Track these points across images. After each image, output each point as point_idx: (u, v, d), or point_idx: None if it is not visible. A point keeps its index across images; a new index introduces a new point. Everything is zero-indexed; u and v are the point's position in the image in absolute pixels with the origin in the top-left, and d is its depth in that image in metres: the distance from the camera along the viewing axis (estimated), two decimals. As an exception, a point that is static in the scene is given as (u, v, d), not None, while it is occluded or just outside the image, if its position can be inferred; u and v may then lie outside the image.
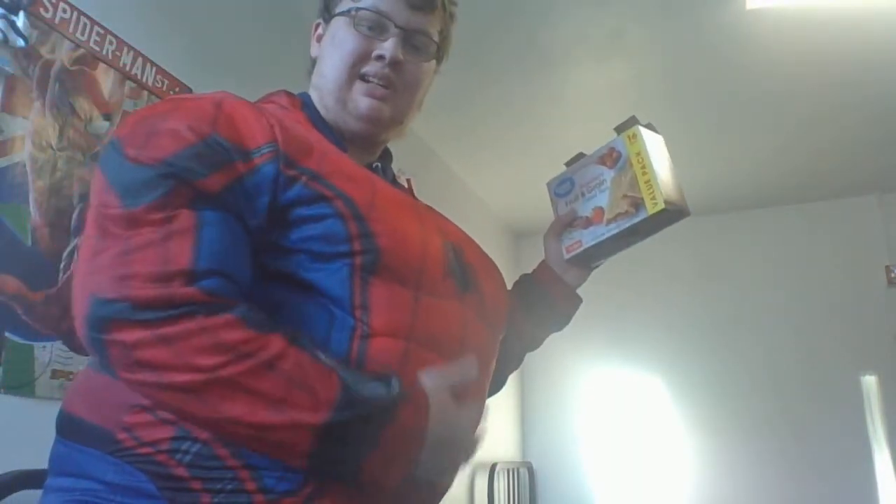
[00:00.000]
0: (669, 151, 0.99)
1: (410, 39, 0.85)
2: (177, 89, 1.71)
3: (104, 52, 1.52)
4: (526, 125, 3.12)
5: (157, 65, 1.66)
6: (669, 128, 3.64)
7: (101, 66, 1.51)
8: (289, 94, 0.88)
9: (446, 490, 0.78)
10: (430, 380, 0.68)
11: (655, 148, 0.96)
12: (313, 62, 0.90)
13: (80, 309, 0.61)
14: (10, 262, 1.26)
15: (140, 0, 1.67)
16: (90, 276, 0.61)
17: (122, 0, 1.61)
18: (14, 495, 1.11)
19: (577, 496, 3.94)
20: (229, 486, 0.62)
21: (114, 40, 1.55)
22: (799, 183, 3.71)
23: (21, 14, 1.33)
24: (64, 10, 1.43)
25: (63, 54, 1.42)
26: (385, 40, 0.83)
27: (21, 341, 1.26)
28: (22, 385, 1.26)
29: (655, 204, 0.90)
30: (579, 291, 1.06)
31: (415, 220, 0.78)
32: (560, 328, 1.06)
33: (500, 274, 0.92)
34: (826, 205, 3.87)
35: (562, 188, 1.04)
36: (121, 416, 0.65)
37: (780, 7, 2.28)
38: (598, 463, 3.96)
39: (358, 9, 0.83)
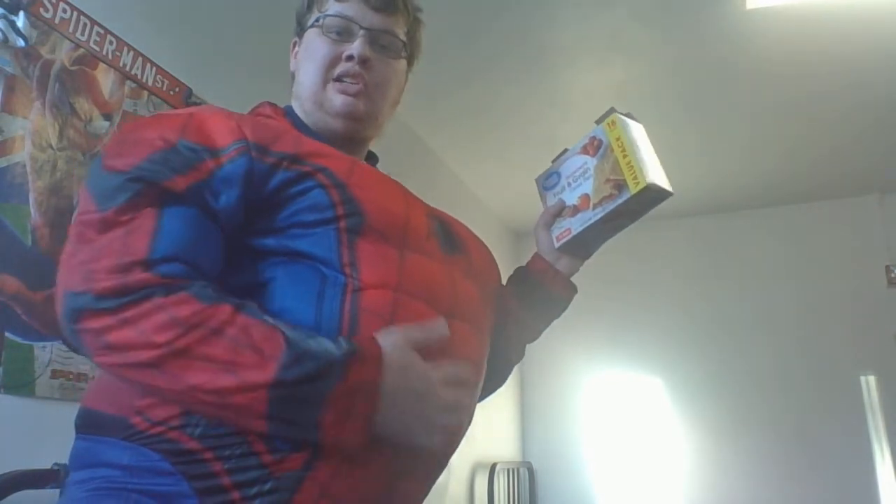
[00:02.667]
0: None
1: (377, 39, 0.90)
2: (177, 89, 1.72)
3: (104, 52, 1.52)
4: (526, 125, 3.12)
5: (157, 65, 1.66)
6: (669, 127, 3.66)
7: (101, 66, 1.52)
8: (272, 104, 0.93)
9: (444, 456, 0.79)
10: (388, 336, 0.69)
11: (635, 133, 0.99)
12: (293, 77, 0.95)
13: (58, 306, 0.66)
14: (10, 262, 1.26)
15: (140, 0, 1.67)
16: (65, 276, 0.67)
17: (122, 0, 1.62)
18: (14, 495, 1.12)
19: (576, 496, 3.94)
20: (238, 451, 0.65)
21: (114, 40, 1.55)
22: (799, 183, 3.71)
23: (21, 14, 1.33)
24: (64, 10, 1.43)
25: (63, 54, 1.42)
26: (353, 42, 0.88)
27: (21, 341, 1.26)
28: (22, 385, 1.26)
29: (637, 183, 0.93)
30: (577, 287, 1.08)
31: (397, 191, 0.82)
32: (556, 316, 1.09)
33: (486, 247, 0.96)
34: (826, 205, 3.88)
35: (549, 182, 1.08)
36: (133, 401, 0.68)
37: (780, 7, 2.28)
38: (598, 463, 3.96)
39: (325, 16, 0.89)
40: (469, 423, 0.82)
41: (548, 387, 4.19)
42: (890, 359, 3.52)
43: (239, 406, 0.63)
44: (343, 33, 0.89)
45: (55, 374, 1.32)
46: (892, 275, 3.62)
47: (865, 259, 3.69)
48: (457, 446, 0.82)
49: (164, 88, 1.68)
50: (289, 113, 0.93)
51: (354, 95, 0.88)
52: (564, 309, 1.08)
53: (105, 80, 1.52)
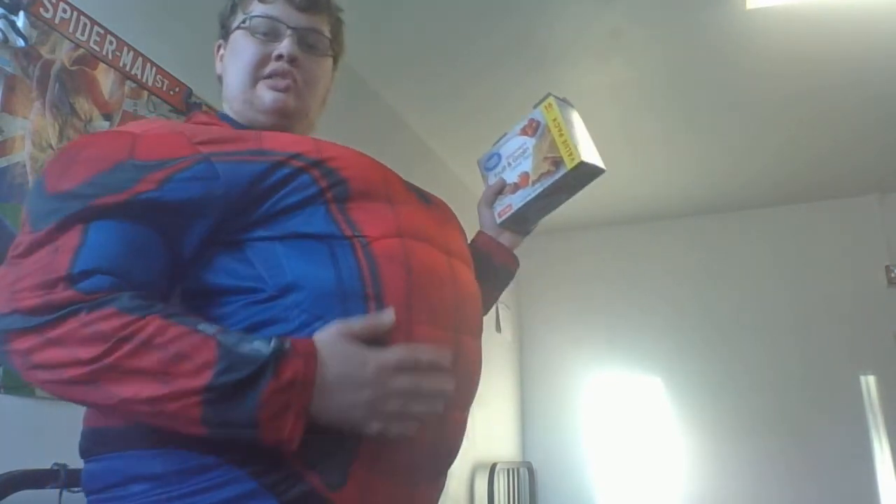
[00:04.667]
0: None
1: (304, 38, 0.91)
2: (177, 89, 1.72)
3: (104, 52, 1.52)
4: (526, 125, 3.12)
5: (157, 65, 1.66)
6: (669, 127, 3.65)
7: (101, 66, 1.51)
8: (204, 111, 0.97)
9: (455, 425, 0.79)
10: (324, 330, 0.68)
11: (571, 116, 1.06)
12: (220, 79, 0.96)
13: None
14: (10, 262, 1.26)
15: (140, 0, 1.67)
16: None
17: (122, 0, 1.61)
18: (14, 495, 1.11)
19: (576, 496, 3.94)
20: None
21: (114, 40, 1.55)
22: (799, 183, 3.71)
23: (21, 14, 1.33)
24: (64, 10, 1.43)
25: (63, 54, 1.42)
26: (281, 42, 0.89)
27: (21, 341, 1.26)
28: (22, 385, 1.26)
29: (573, 159, 1.00)
30: (519, 261, 1.14)
31: (365, 155, 0.84)
32: (503, 288, 1.15)
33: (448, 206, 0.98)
34: (826, 205, 3.88)
35: (490, 162, 1.14)
36: None
37: (780, 7, 2.28)
38: (598, 463, 3.96)
39: (251, 17, 0.90)
40: (466, 406, 0.82)
41: (548, 387, 4.19)
42: (890, 359, 3.52)
43: (173, 413, 0.62)
44: (270, 34, 0.89)
45: (55, 374, 1.32)
46: (892, 275, 3.61)
47: (865, 259, 3.69)
48: (456, 430, 0.80)
49: (164, 88, 1.68)
50: (223, 117, 0.93)
51: (284, 91, 0.88)
52: (509, 281, 1.14)
53: (105, 80, 1.52)
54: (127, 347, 0.62)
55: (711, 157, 3.46)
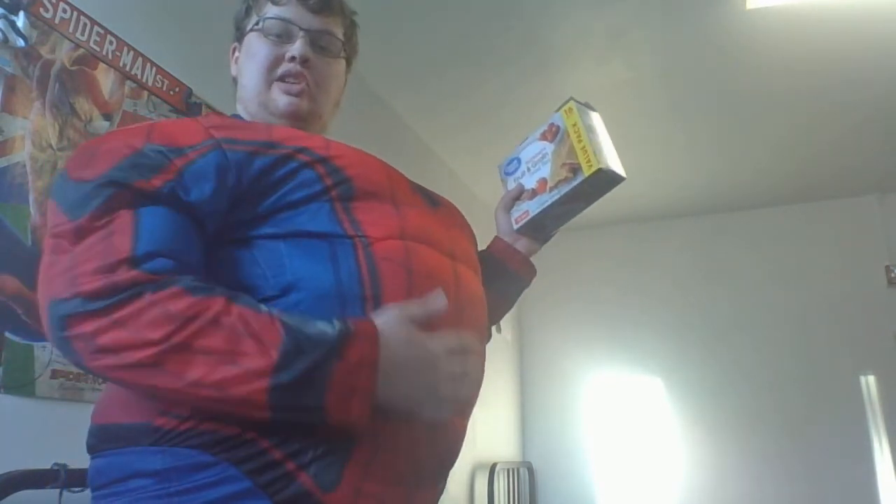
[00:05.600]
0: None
1: (317, 40, 0.92)
2: (177, 89, 1.72)
3: (104, 52, 1.52)
4: (526, 125, 3.10)
5: (157, 65, 1.66)
6: (669, 127, 3.65)
7: (101, 66, 1.51)
8: (216, 113, 0.94)
9: (455, 430, 0.80)
10: (383, 313, 0.69)
11: (591, 121, 1.05)
12: (235, 81, 0.97)
13: (44, 317, 0.65)
14: (10, 262, 1.26)
15: (140, 0, 1.67)
16: (47, 286, 0.65)
17: (122, 0, 1.62)
18: (14, 495, 1.12)
19: (576, 496, 3.94)
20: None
21: (114, 40, 1.55)
22: (799, 183, 3.72)
23: (21, 14, 1.33)
24: (64, 10, 1.43)
25: (63, 54, 1.42)
26: (293, 43, 0.90)
27: (21, 341, 1.26)
28: (22, 385, 1.26)
29: (591, 166, 0.98)
30: (537, 269, 1.13)
31: (373, 157, 0.84)
32: (518, 294, 1.13)
33: (458, 209, 0.98)
34: (826, 205, 3.88)
35: (510, 167, 1.13)
36: (154, 403, 0.67)
37: (780, 7, 2.28)
38: (598, 463, 3.96)
39: (265, 19, 0.91)
40: (467, 412, 0.83)
41: (548, 387, 4.19)
42: (890, 359, 3.52)
43: (240, 398, 0.61)
44: (283, 35, 0.90)
45: (55, 374, 1.32)
46: (892, 275, 3.62)
47: (865, 259, 3.69)
48: (456, 436, 0.82)
49: (164, 88, 1.68)
50: (236, 118, 0.93)
51: (297, 95, 0.90)
52: (524, 288, 1.12)
53: (105, 80, 1.52)
54: (195, 326, 0.61)
55: (711, 157, 3.46)
